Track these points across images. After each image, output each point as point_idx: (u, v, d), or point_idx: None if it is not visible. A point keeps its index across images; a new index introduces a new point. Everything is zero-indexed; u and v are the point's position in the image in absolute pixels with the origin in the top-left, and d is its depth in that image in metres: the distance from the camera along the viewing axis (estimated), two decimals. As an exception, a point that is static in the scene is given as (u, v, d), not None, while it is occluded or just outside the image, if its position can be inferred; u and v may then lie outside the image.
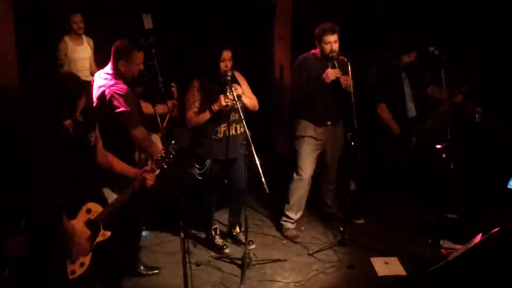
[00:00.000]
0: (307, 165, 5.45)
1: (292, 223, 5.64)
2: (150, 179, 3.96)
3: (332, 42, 5.11)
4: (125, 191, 3.88)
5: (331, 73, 5.04)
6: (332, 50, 5.11)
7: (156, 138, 4.78)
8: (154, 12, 6.53)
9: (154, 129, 4.85)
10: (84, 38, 6.55)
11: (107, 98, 4.39)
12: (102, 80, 4.50)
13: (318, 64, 5.23)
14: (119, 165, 4.06)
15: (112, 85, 4.41)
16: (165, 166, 4.00)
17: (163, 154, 3.99)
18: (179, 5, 6.99)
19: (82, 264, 3.70)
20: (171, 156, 3.99)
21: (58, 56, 6.38)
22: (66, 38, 6.43)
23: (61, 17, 6.44)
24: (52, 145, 3.47)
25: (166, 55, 6.70)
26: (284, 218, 5.66)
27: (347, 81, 5.01)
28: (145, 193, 4.68)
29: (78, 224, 3.65)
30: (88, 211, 3.71)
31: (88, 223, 3.71)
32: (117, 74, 4.47)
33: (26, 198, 2.58)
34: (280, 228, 5.70)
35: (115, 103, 4.35)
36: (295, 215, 5.62)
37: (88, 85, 4.83)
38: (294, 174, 5.51)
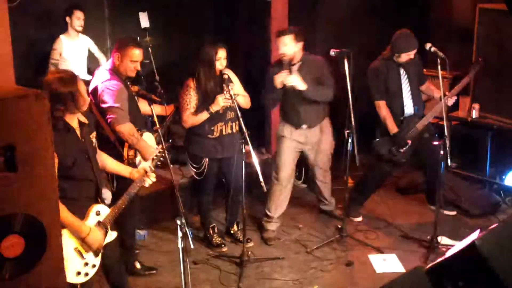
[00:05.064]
0: (283, 164, 5.41)
1: (272, 222, 5.56)
2: (151, 178, 3.94)
3: (279, 46, 5.09)
4: (128, 192, 3.88)
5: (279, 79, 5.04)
6: (282, 55, 5.11)
7: (149, 136, 4.77)
8: (150, 10, 6.52)
9: (148, 128, 4.86)
10: (81, 37, 6.53)
11: (98, 92, 4.41)
12: (99, 74, 4.53)
13: (279, 69, 5.16)
14: (113, 165, 4.06)
15: (105, 80, 4.42)
16: (159, 164, 4.01)
17: (157, 153, 3.99)
18: (174, 3, 6.97)
19: (93, 266, 3.72)
20: (164, 154, 4.00)
21: (52, 56, 6.36)
22: (62, 37, 6.39)
23: (58, 16, 6.42)
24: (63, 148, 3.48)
25: (162, 54, 6.71)
26: (264, 218, 5.62)
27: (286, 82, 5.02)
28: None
29: (92, 225, 3.68)
30: (98, 213, 3.73)
31: (98, 225, 3.73)
32: (113, 70, 4.48)
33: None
34: (278, 226, 5.67)
35: (105, 97, 4.36)
36: (273, 212, 5.54)
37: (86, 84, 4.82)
38: (273, 172, 5.51)
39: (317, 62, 5.25)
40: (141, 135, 4.52)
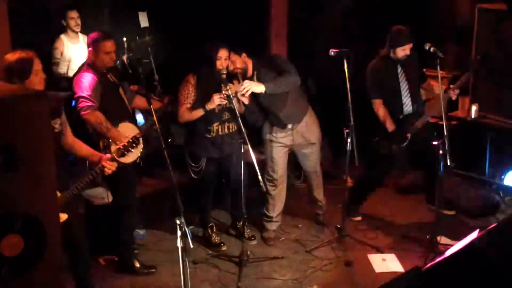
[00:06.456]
0: (274, 165, 5.40)
1: (272, 222, 5.56)
2: (109, 167, 4.02)
3: (230, 65, 5.05)
4: (84, 176, 3.95)
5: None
6: (236, 69, 5.11)
7: (128, 127, 4.77)
8: (150, 10, 6.52)
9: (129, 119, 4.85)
10: (81, 36, 6.52)
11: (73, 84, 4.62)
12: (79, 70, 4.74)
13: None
14: (83, 150, 4.17)
15: (80, 73, 4.62)
16: (127, 154, 4.11)
17: (126, 144, 4.04)
18: (174, 3, 6.97)
19: None
20: (134, 145, 4.11)
21: (53, 55, 6.35)
22: (63, 36, 6.38)
23: (57, 15, 6.41)
24: None
25: (162, 54, 6.72)
26: (264, 218, 5.62)
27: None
28: (127, 187, 4.74)
29: None
30: None
31: None
32: (89, 64, 4.64)
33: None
34: (278, 226, 5.67)
35: (75, 88, 4.53)
36: (272, 212, 5.52)
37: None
38: (266, 174, 5.47)
39: (268, 61, 5.23)
40: (117, 125, 4.58)
